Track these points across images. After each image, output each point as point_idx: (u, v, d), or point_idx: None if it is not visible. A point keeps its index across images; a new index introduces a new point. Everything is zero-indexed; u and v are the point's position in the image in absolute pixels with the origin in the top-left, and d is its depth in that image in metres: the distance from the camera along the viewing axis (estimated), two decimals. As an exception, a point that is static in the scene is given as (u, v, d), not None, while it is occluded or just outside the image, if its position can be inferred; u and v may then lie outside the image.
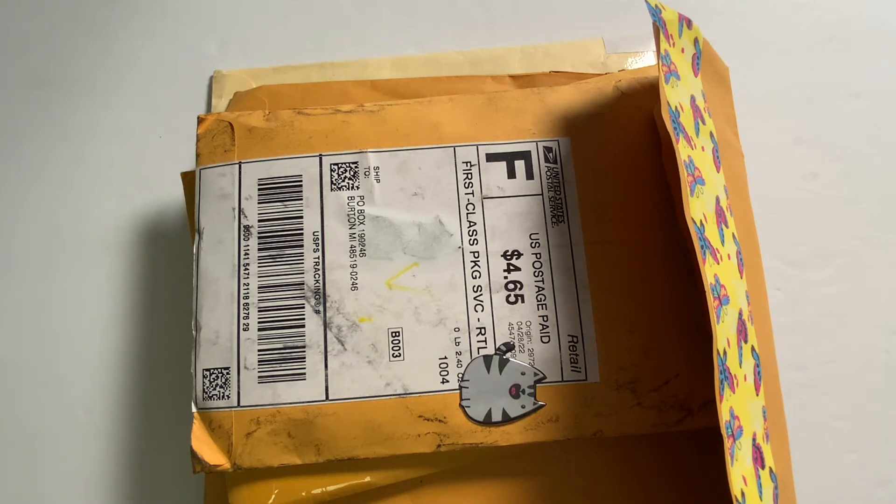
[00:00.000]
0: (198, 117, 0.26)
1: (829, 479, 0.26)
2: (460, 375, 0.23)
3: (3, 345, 0.28)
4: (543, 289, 0.24)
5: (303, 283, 0.24)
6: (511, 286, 0.24)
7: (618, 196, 0.25)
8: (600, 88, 0.26)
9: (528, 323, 0.23)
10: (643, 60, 0.30)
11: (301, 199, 0.24)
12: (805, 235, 0.28)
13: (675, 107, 0.22)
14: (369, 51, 0.31)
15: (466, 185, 0.25)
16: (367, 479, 0.23)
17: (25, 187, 0.30)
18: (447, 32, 0.31)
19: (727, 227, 0.23)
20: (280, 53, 0.31)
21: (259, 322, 0.24)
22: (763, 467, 0.21)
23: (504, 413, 0.23)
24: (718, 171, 0.24)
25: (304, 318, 0.23)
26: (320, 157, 0.25)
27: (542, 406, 0.23)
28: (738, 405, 0.20)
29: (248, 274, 0.24)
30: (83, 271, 0.29)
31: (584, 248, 0.24)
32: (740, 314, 0.21)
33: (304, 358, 0.23)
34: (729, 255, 0.22)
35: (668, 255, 0.24)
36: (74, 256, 0.29)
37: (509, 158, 0.25)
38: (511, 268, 0.24)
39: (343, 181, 0.25)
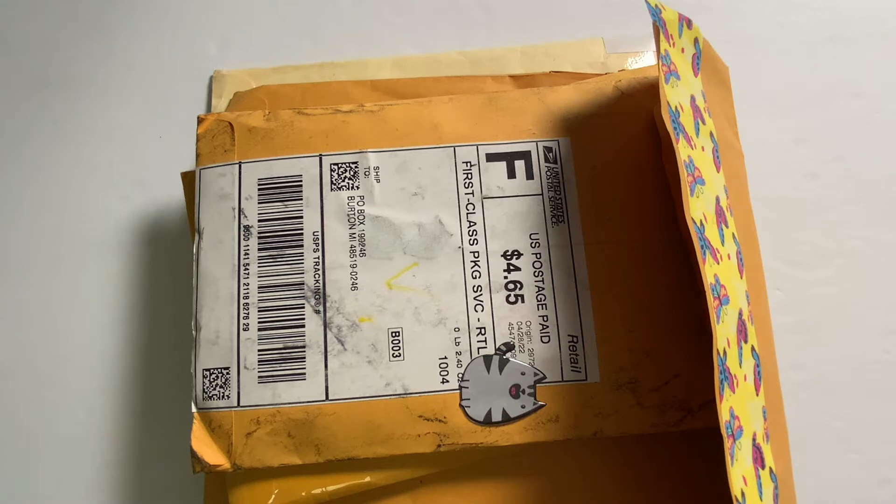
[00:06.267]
0: (198, 117, 0.26)
1: (829, 479, 0.26)
2: (460, 375, 0.23)
3: (3, 345, 0.28)
4: (543, 289, 0.24)
5: (303, 283, 0.24)
6: (511, 286, 0.24)
7: (618, 196, 0.25)
8: (600, 88, 0.26)
9: (528, 323, 0.23)
10: (643, 60, 0.30)
11: (301, 199, 0.24)
12: (805, 235, 0.28)
13: (675, 107, 0.22)
14: (369, 51, 0.31)
15: (466, 185, 0.25)
16: (367, 479, 0.23)
17: (25, 187, 0.30)
18: (447, 32, 0.31)
19: (727, 227, 0.23)
20: (280, 53, 0.31)
21: (259, 322, 0.24)
22: (763, 467, 0.21)
23: (504, 413, 0.23)
24: (718, 171, 0.24)
25: (304, 318, 0.23)
26: (320, 157, 0.25)
27: (542, 406, 0.23)
28: (738, 405, 0.20)
29: (248, 274, 0.24)
30: (83, 271, 0.29)
31: (584, 248, 0.24)
32: (740, 314, 0.21)
33: (304, 358, 0.23)
34: (729, 255, 0.22)
35: (668, 255, 0.24)
36: (74, 256, 0.29)
37: (509, 158, 0.25)
38: (511, 268, 0.24)
39: (343, 181, 0.25)
